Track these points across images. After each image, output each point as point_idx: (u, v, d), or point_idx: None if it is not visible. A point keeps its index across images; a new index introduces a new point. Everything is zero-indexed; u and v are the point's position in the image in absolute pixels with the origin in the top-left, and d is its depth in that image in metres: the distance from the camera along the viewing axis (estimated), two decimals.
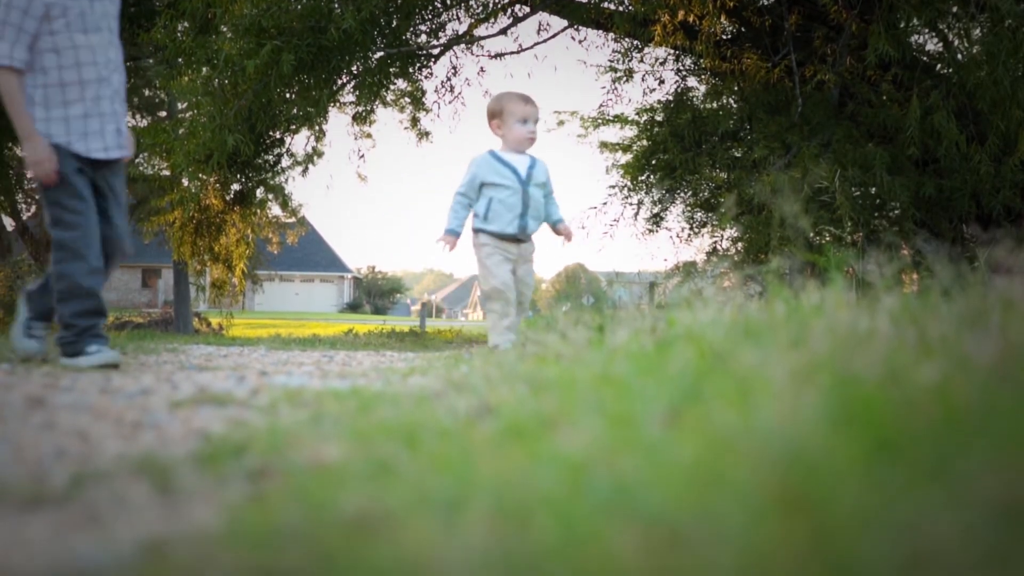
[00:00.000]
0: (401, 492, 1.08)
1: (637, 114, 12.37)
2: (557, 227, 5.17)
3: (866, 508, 0.81)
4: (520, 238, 4.96)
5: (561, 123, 13.76)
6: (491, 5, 11.21)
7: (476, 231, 5.00)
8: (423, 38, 11.56)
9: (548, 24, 12.11)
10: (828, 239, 9.05)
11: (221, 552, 0.92)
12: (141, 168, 20.37)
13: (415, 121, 14.01)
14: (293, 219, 20.98)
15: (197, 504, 1.24)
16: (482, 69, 12.96)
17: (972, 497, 0.80)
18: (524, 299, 4.99)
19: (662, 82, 11.71)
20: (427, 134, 14.09)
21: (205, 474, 1.40)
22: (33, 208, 21.76)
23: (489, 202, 4.97)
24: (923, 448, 0.94)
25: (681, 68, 11.46)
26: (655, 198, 11.58)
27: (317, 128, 12.79)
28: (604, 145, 13.03)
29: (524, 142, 5.03)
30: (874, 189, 9.13)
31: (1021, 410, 0.98)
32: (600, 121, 12.54)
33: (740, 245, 10.83)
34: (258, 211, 17.42)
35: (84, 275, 3.81)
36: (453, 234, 4.99)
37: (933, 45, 9.89)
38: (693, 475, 0.95)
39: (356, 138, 13.87)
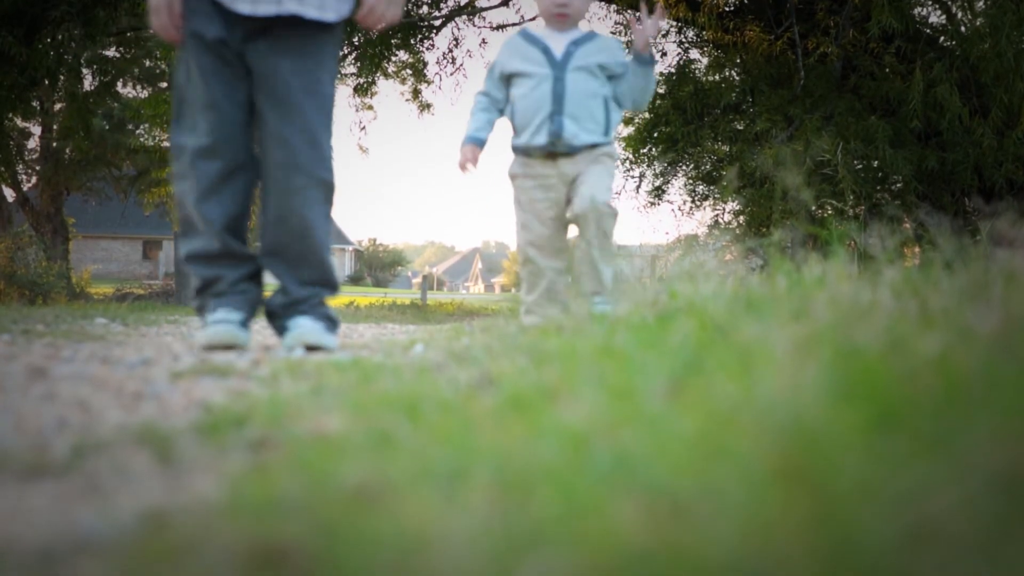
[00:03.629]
0: (402, 464, 1.08)
1: None
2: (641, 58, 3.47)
3: (868, 480, 0.81)
4: (555, 150, 3.38)
5: None
6: None
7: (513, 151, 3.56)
8: (425, 9, 11.53)
9: None
10: (830, 212, 9.05)
11: (221, 522, 0.92)
12: (142, 139, 20.35)
13: (416, 93, 13.99)
14: None
15: (198, 474, 1.24)
16: (484, 41, 12.95)
17: (974, 468, 0.80)
18: (590, 246, 3.41)
19: (664, 54, 11.68)
20: (428, 106, 14.09)
21: (206, 445, 1.40)
22: (34, 179, 21.70)
23: (513, 104, 3.49)
24: (925, 420, 0.93)
25: (683, 40, 11.42)
26: (657, 171, 11.56)
27: None
28: None
29: (551, 18, 3.47)
30: (876, 162, 9.12)
31: (1023, 382, 0.98)
32: None
33: (742, 218, 10.83)
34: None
35: (198, 199, 2.94)
36: (472, 142, 3.48)
37: (936, 17, 9.84)
38: (694, 447, 0.95)
39: (357, 110, 13.85)
